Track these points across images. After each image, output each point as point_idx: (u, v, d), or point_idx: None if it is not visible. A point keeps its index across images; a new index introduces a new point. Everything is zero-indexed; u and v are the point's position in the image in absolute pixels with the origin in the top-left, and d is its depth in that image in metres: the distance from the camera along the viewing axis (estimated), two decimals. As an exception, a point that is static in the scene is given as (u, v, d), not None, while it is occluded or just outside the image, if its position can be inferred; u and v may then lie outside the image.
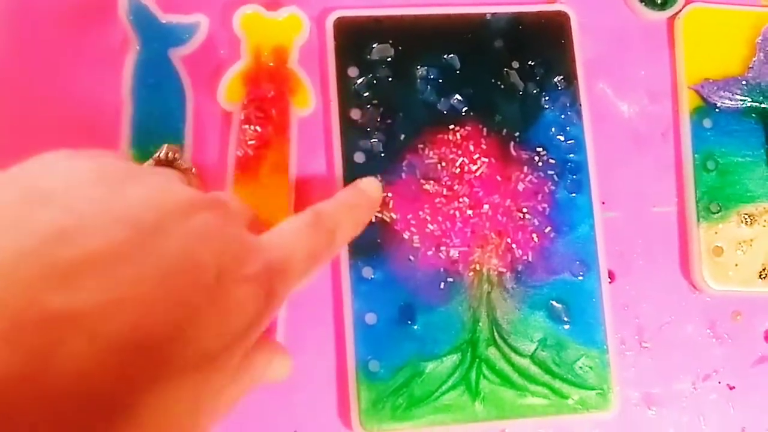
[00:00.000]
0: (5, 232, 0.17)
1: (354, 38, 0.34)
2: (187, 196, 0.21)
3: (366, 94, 0.34)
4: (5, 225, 0.18)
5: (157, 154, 0.28)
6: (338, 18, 0.35)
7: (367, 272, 0.33)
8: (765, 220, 0.35)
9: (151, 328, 0.17)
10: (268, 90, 0.34)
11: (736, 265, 0.34)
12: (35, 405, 0.15)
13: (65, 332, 0.16)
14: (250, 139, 0.33)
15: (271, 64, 0.34)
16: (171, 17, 0.34)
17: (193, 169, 0.29)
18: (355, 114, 0.34)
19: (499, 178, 0.34)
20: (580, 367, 0.33)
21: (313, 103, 0.34)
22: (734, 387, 0.34)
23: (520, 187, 0.34)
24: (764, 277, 0.34)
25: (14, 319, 0.16)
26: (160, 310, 0.18)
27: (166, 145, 0.28)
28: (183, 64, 0.34)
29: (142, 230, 0.19)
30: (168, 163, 0.28)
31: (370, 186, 0.32)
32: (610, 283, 0.34)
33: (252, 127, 0.33)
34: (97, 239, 0.18)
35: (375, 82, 0.34)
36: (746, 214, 0.35)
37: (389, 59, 0.35)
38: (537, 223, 0.34)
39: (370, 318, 0.33)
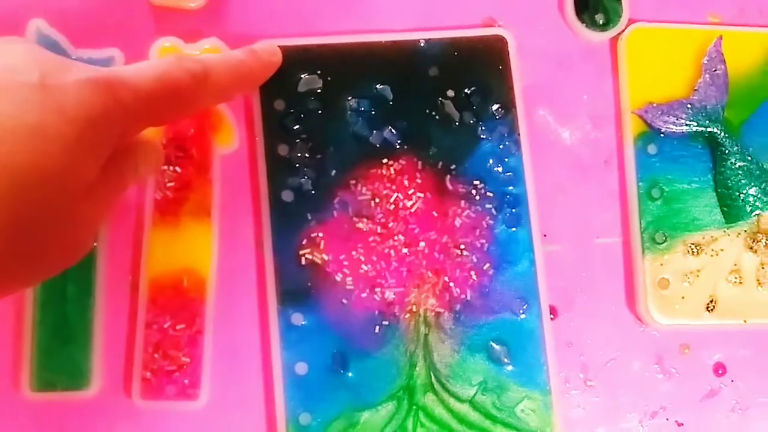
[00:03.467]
0: None
1: (280, 69, 0.33)
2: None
3: (294, 128, 0.33)
4: None
5: None
6: (263, 48, 0.33)
7: (297, 318, 0.31)
8: (712, 250, 0.34)
9: None
10: (187, 128, 0.32)
11: (683, 297, 0.33)
12: None
13: None
14: (170, 181, 0.31)
15: (191, 100, 0.32)
16: (83, 52, 0.32)
17: None
18: (283, 150, 0.33)
19: (435, 213, 0.33)
20: (522, 410, 0.32)
21: (236, 139, 0.33)
22: (683, 423, 0.33)
23: (458, 222, 0.33)
24: (712, 310, 0.33)
25: None
26: None
27: None
28: (97, 102, 0.32)
29: None
30: None
31: (266, 47, 0.31)
32: (552, 319, 0.33)
33: (171, 167, 0.32)
34: None
35: (303, 115, 0.33)
36: (693, 243, 0.34)
37: (318, 90, 0.33)
38: (475, 259, 0.33)
39: (301, 368, 0.31)
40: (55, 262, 0.23)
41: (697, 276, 0.33)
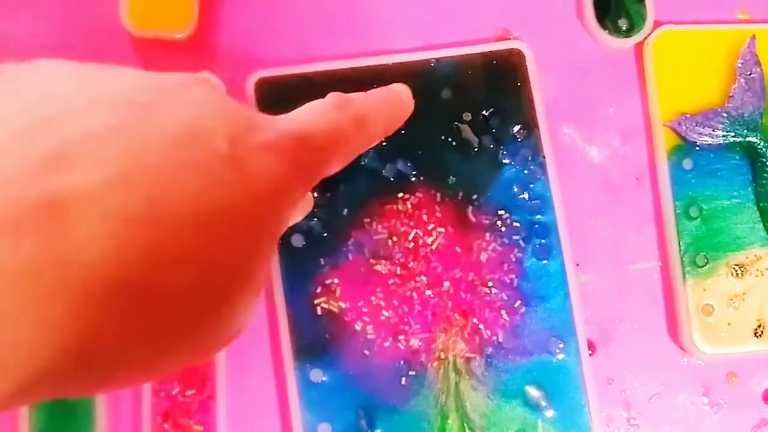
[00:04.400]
0: None
1: (280, 101, 0.29)
2: (178, 74, 0.19)
3: (299, 165, 0.30)
4: None
5: None
6: (260, 79, 0.30)
7: (316, 375, 0.29)
8: (757, 270, 0.31)
9: (167, 197, 0.16)
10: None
11: (729, 324, 0.31)
12: (56, 295, 0.14)
13: (73, 213, 0.14)
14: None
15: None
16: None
17: None
18: (289, 190, 0.30)
19: (458, 249, 0.30)
20: (565, 457, 0.30)
21: (238, 183, 0.30)
22: (734, 457, 0.31)
23: (483, 257, 0.30)
24: (760, 335, 0.31)
25: (17, 207, 0.14)
26: (174, 178, 0.16)
27: None
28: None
29: (136, 106, 0.17)
30: None
31: (403, 89, 0.27)
32: (590, 356, 0.31)
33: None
34: (88, 119, 0.16)
35: (308, 151, 0.30)
36: (736, 264, 0.31)
37: (323, 122, 0.30)
38: (505, 297, 0.30)
39: (324, 429, 0.29)
40: (218, 344, 0.19)
41: (743, 299, 0.31)
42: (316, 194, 0.30)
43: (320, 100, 0.22)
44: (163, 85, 0.18)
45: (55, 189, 0.14)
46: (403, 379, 0.29)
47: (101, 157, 0.15)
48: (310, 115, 0.21)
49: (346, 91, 0.30)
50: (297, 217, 0.25)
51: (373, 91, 0.26)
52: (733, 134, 0.32)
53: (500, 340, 0.30)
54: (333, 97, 0.22)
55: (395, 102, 0.26)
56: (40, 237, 0.14)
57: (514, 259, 0.30)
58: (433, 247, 0.30)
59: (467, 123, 0.31)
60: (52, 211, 0.14)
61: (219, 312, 0.17)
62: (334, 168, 0.22)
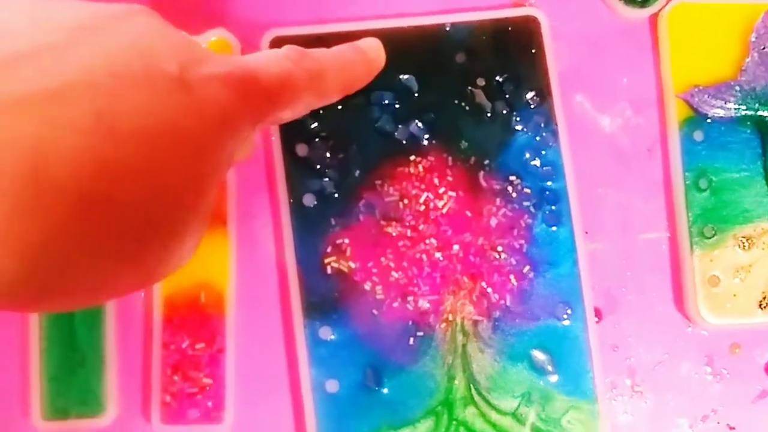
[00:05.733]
0: None
1: (295, 61, 0.30)
2: (125, 4, 0.19)
3: (313, 126, 0.30)
4: None
5: None
6: (275, 38, 0.30)
7: (325, 333, 0.29)
8: (764, 243, 0.31)
9: (115, 111, 0.16)
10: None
11: (734, 295, 0.31)
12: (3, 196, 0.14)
13: (21, 116, 0.15)
14: (181, 189, 0.29)
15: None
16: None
17: None
18: (302, 150, 0.30)
19: (469, 213, 0.31)
20: (569, 421, 0.30)
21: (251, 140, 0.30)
22: (735, 427, 0.31)
23: (493, 222, 0.31)
24: (765, 307, 0.31)
25: None
26: (123, 95, 0.16)
27: None
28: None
29: (86, 29, 0.17)
30: None
31: (370, 45, 0.27)
32: (597, 322, 0.31)
33: (182, 174, 0.29)
34: (36, 36, 0.16)
35: (321, 111, 0.30)
36: (743, 237, 0.31)
37: (337, 83, 0.30)
38: (514, 262, 0.30)
39: (332, 385, 0.29)
40: (163, 269, 0.19)
41: (749, 272, 0.31)
42: (328, 154, 0.30)
43: (278, 49, 0.23)
44: (113, 12, 0.18)
45: (2, 93, 0.15)
46: (411, 339, 0.30)
47: (46, 70, 0.16)
48: (263, 59, 0.22)
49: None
50: (240, 155, 0.24)
51: (335, 47, 0.26)
52: (744, 107, 0.32)
53: (508, 304, 0.30)
54: (289, 49, 0.23)
55: (358, 60, 0.26)
56: None
57: (523, 225, 0.31)
58: (444, 210, 0.30)
59: (481, 88, 0.31)
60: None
61: (165, 230, 0.18)
62: (284, 115, 0.23)
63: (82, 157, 0.15)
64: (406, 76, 0.31)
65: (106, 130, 0.16)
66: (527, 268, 0.30)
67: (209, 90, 0.18)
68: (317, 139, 0.30)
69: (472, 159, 0.31)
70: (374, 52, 0.27)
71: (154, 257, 0.18)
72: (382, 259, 0.30)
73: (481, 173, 0.31)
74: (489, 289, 0.30)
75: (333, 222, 0.30)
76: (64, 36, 0.16)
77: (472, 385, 0.30)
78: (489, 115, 0.31)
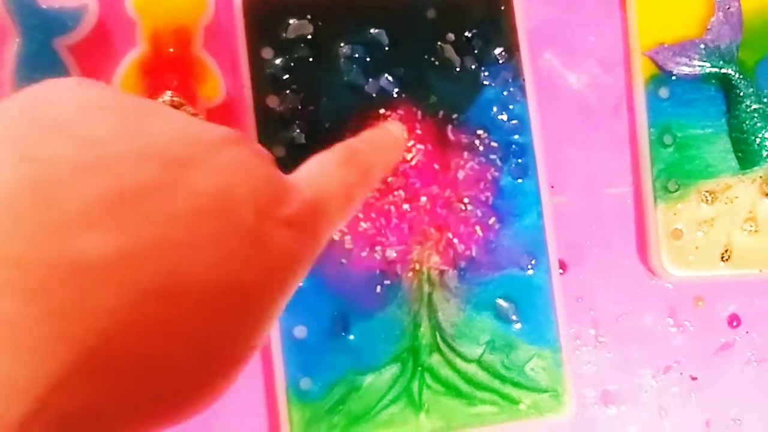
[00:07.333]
0: (13, 168, 0.15)
1: (267, 14, 0.30)
2: (214, 128, 0.19)
3: (284, 78, 0.31)
4: (12, 160, 0.15)
5: (160, 99, 0.24)
6: (248, -8, 0.31)
7: (294, 280, 0.30)
8: (727, 197, 0.32)
9: (182, 271, 0.15)
10: (170, 80, 0.29)
11: (697, 248, 0.32)
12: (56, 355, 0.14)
13: (96, 283, 0.14)
14: (153, 138, 0.29)
15: (172, 50, 0.29)
16: (53, 1, 0.29)
17: (201, 116, 0.24)
18: (272, 101, 0.30)
19: (436, 166, 0.31)
20: (532, 369, 0.31)
21: (223, 91, 0.30)
22: (697, 378, 0.32)
23: (461, 174, 0.31)
24: (727, 260, 0.32)
25: (47, 269, 0.14)
26: (193, 252, 0.16)
27: (169, 91, 0.25)
28: (71, 54, 0.29)
29: (171, 164, 0.16)
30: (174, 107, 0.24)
31: (396, 128, 0.29)
32: (561, 274, 0.32)
33: (154, 123, 0.29)
34: (123, 175, 0.15)
35: (293, 64, 0.30)
36: (706, 191, 0.32)
37: (308, 37, 0.31)
38: (480, 214, 0.31)
39: (300, 331, 0.30)
40: (202, 408, 0.18)
41: (712, 225, 0.32)
42: (298, 106, 0.30)
43: (328, 153, 0.23)
44: (201, 141, 0.18)
45: (86, 253, 0.14)
46: (378, 287, 0.30)
47: (135, 221, 0.15)
48: (321, 177, 0.22)
49: (332, 8, 0.31)
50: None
51: (372, 137, 0.27)
52: (709, 65, 0.32)
53: (473, 254, 0.31)
54: (341, 152, 0.23)
55: (393, 146, 0.28)
56: (51, 300, 0.14)
57: (490, 178, 0.31)
58: (412, 163, 0.31)
59: (450, 43, 0.31)
60: (70, 274, 0.14)
61: (213, 383, 0.17)
62: (339, 227, 0.23)
63: (147, 321, 0.15)
64: (376, 30, 0.31)
65: (169, 292, 0.15)
66: (493, 219, 0.31)
67: (282, 238, 0.18)
68: (288, 91, 0.31)
69: (441, 113, 0.31)
70: (401, 134, 0.29)
71: (200, 400, 0.17)
72: (351, 209, 0.31)
73: (450, 127, 0.31)
74: (455, 240, 0.31)
75: (303, 173, 0.30)
76: (157, 175, 0.16)
77: (437, 333, 0.30)
78: (458, 70, 0.31)
